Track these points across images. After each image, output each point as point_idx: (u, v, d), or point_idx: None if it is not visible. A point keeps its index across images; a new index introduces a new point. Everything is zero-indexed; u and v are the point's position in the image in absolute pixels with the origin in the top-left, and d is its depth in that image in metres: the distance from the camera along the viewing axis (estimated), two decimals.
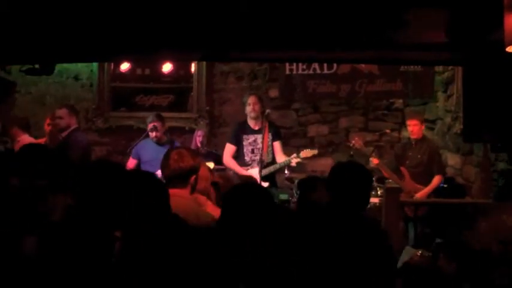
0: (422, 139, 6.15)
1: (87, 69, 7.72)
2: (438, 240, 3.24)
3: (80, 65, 7.55)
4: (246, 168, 5.83)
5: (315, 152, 5.89)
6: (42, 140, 5.96)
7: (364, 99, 7.57)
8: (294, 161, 5.78)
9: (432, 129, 7.31)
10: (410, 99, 7.54)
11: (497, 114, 3.87)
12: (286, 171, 6.24)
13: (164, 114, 6.44)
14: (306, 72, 7.44)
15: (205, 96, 7.74)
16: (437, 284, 2.47)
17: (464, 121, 4.39)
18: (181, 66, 7.66)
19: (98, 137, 7.71)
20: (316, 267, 2.58)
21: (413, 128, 6.07)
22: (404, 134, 7.29)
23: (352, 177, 2.86)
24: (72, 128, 5.78)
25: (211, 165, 5.80)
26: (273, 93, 7.76)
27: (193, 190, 3.17)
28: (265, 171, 5.69)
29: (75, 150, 5.54)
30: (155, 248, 2.33)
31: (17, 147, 5.34)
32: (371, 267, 2.63)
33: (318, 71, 7.43)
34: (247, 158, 5.88)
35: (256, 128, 5.88)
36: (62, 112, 5.80)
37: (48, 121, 5.99)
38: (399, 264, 3.03)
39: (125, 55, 5.09)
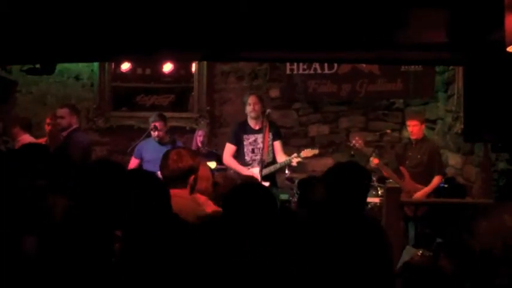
0: (423, 139, 6.15)
1: (88, 69, 7.73)
2: (439, 240, 3.23)
3: (80, 64, 7.56)
4: (246, 168, 5.83)
5: (316, 151, 5.89)
6: (42, 140, 5.97)
7: (365, 99, 7.57)
8: (295, 161, 5.77)
9: (433, 129, 7.31)
10: (411, 99, 7.55)
11: (498, 114, 3.87)
12: (286, 171, 6.24)
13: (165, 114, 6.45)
14: (306, 72, 7.45)
15: (205, 96, 7.74)
16: (438, 283, 2.47)
17: (464, 121, 4.38)
18: (182, 66, 7.67)
19: (99, 137, 7.72)
20: (316, 267, 2.58)
21: (413, 129, 6.07)
22: (405, 134, 7.28)
23: (347, 177, 2.86)
24: (73, 127, 5.79)
25: (213, 165, 5.81)
26: (274, 93, 7.77)
27: (192, 190, 3.17)
28: (266, 171, 5.69)
29: (75, 150, 5.55)
30: (155, 248, 2.33)
31: (17, 147, 5.34)
32: (371, 267, 2.63)
33: (319, 71, 7.45)
34: (247, 158, 5.88)
35: (257, 128, 5.88)
36: (63, 111, 5.80)
37: (48, 121, 6.00)
38: (399, 264, 3.03)
39: (126, 55, 5.09)
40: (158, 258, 2.30)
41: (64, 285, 2.28)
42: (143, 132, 6.39)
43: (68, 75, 7.67)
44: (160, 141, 6.07)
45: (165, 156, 3.18)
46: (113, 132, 7.77)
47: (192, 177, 3.14)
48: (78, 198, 2.60)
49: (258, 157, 5.69)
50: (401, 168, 6.09)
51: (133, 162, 6.17)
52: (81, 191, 2.59)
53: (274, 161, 5.89)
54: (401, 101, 7.70)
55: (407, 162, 6.13)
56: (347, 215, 2.78)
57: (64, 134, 5.77)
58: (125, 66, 7.37)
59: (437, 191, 6.01)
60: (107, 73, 7.70)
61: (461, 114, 5.73)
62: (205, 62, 7.55)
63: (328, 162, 7.18)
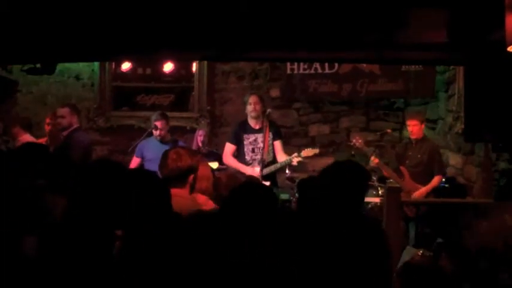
0: (423, 139, 6.15)
1: (88, 69, 7.73)
2: (439, 240, 3.23)
3: (81, 64, 7.56)
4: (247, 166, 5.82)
5: (316, 151, 5.88)
6: (43, 140, 5.97)
7: (366, 98, 7.57)
8: (295, 160, 5.77)
9: (433, 129, 7.31)
10: (412, 99, 7.55)
11: (499, 114, 3.87)
12: (287, 171, 6.24)
13: None
14: (307, 71, 7.45)
15: (206, 96, 7.74)
16: (438, 283, 2.46)
17: (465, 121, 4.39)
18: (183, 65, 7.67)
19: (99, 137, 7.72)
20: (316, 267, 2.57)
21: (413, 128, 6.07)
22: (405, 133, 7.27)
23: (344, 176, 2.85)
24: (74, 127, 5.79)
25: (215, 165, 5.81)
26: (274, 92, 7.76)
27: (192, 189, 3.17)
28: (266, 171, 5.69)
29: (76, 149, 5.55)
30: (156, 248, 2.33)
31: (17, 147, 5.34)
32: (371, 268, 2.62)
33: (319, 71, 7.44)
34: (247, 158, 5.87)
35: (257, 128, 5.88)
36: (64, 111, 5.80)
37: (48, 120, 6.00)
38: (400, 264, 3.03)
39: (126, 55, 5.09)
40: (159, 258, 2.30)
41: (64, 286, 2.28)
42: (144, 132, 6.39)
43: (68, 75, 7.68)
44: (162, 140, 6.07)
45: (164, 155, 3.18)
46: (113, 132, 7.77)
47: (192, 176, 3.14)
48: (78, 198, 2.59)
49: (258, 157, 5.69)
50: (402, 167, 6.09)
51: (134, 161, 6.17)
52: (82, 191, 2.58)
53: (274, 160, 5.88)
54: (401, 100, 7.70)
55: (407, 161, 6.12)
56: (347, 215, 2.78)
57: (65, 133, 5.77)
58: (126, 66, 7.37)
59: (437, 191, 6.00)
60: (107, 73, 7.70)
61: (462, 114, 5.73)
62: (205, 62, 7.55)
63: (328, 161, 7.09)
